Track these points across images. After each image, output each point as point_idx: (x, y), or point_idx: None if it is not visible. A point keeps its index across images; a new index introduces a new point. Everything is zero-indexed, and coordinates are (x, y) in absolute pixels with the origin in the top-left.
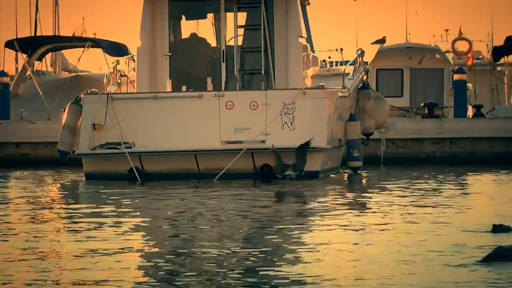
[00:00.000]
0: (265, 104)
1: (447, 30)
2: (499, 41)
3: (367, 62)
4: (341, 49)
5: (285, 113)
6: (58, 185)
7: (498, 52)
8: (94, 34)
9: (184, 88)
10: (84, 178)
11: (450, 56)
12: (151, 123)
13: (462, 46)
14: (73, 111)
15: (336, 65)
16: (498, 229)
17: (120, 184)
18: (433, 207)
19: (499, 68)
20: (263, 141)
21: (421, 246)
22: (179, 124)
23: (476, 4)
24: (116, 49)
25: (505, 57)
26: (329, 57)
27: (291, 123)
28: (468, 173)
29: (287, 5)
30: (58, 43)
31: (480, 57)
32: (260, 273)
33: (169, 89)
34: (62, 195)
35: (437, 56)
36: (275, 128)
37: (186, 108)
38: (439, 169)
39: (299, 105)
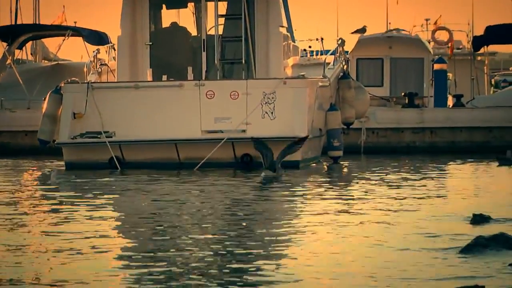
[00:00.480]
0: (245, 93)
1: (427, 20)
2: (480, 31)
3: (348, 52)
4: (322, 39)
5: (266, 103)
6: (33, 174)
7: (478, 42)
8: (75, 22)
9: (164, 77)
10: (64, 167)
11: (430, 45)
12: (132, 112)
13: (442, 36)
14: (53, 100)
15: (317, 54)
16: (478, 218)
17: (95, 174)
18: (413, 197)
19: (479, 58)
20: (244, 131)
21: (400, 236)
22: (160, 113)
23: None
24: (97, 38)
25: (485, 47)
26: (310, 47)
27: (272, 113)
28: (448, 163)
29: None
30: (39, 31)
31: (461, 46)
32: (237, 263)
33: (149, 78)
34: (34, 185)
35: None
36: (256, 118)
37: (167, 98)
38: (419, 158)
39: (280, 95)
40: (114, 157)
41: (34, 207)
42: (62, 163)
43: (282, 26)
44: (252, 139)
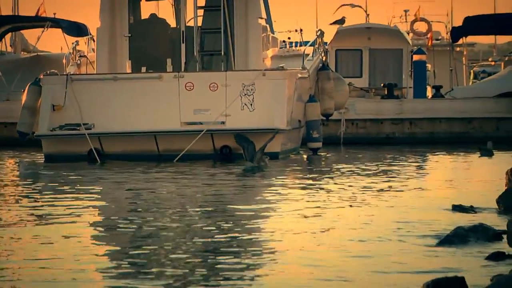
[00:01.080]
0: (224, 85)
1: (406, 11)
2: (459, 22)
3: (326, 43)
4: (301, 30)
5: (245, 94)
6: (9, 167)
7: (456, 33)
8: (54, 14)
9: (143, 69)
10: (44, 159)
11: (409, 37)
12: (111, 104)
13: (421, 27)
14: (33, 92)
15: (296, 46)
16: (457, 209)
17: (67, 166)
18: (391, 188)
19: (458, 49)
20: (223, 122)
21: (379, 227)
22: (139, 105)
23: None
24: (76, 29)
25: (464, 38)
26: (289, 38)
27: (251, 104)
28: (428, 154)
29: None
30: (18, 23)
31: (440, 37)
32: (215, 256)
33: (128, 70)
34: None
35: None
36: (235, 109)
37: (146, 89)
38: (398, 149)
39: (259, 86)
40: (93, 149)
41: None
42: (42, 155)
43: (261, 18)
44: (233, 133)
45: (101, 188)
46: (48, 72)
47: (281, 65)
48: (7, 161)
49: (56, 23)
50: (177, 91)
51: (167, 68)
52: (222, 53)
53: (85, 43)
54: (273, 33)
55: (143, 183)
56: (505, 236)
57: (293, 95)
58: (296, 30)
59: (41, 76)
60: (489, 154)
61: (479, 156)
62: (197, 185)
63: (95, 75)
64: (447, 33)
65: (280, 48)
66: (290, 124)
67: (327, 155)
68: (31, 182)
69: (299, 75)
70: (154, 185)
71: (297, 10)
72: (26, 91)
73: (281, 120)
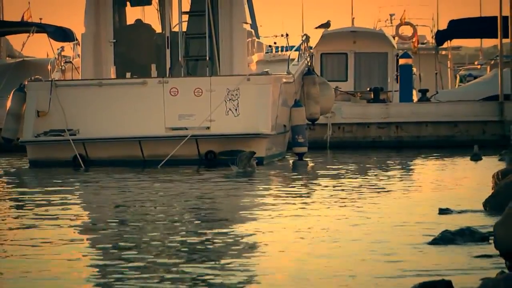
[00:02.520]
0: (209, 90)
1: (392, 15)
2: (444, 26)
3: (312, 47)
4: (287, 35)
5: (230, 100)
6: None
7: (441, 36)
8: (40, 19)
9: (128, 74)
10: (29, 165)
11: (395, 40)
12: (96, 110)
13: (406, 31)
14: (17, 98)
15: (282, 50)
16: (444, 212)
17: (50, 172)
18: (378, 192)
19: (443, 53)
20: (208, 128)
21: (365, 231)
22: (124, 111)
23: None
24: (62, 34)
25: (449, 41)
26: (275, 43)
27: (236, 109)
28: (414, 158)
29: None
30: (3, 28)
31: (425, 41)
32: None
33: (113, 75)
34: None
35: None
36: (220, 115)
37: (130, 95)
38: (385, 153)
39: (244, 91)
40: (78, 155)
41: None
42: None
43: (246, 23)
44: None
45: (84, 193)
46: (33, 78)
47: (265, 70)
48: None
49: (41, 28)
50: (162, 97)
51: (152, 73)
52: (207, 58)
53: (71, 48)
54: (259, 38)
55: (127, 188)
56: (492, 239)
57: (277, 100)
58: (282, 35)
59: (26, 82)
60: (478, 159)
61: (470, 159)
62: (183, 191)
63: (79, 81)
64: (432, 37)
65: (266, 53)
66: (275, 129)
67: (313, 160)
68: (15, 187)
69: (284, 80)
70: (139, 191)
71: (283, 14)
72: (10, 97)
73: (265, 125)
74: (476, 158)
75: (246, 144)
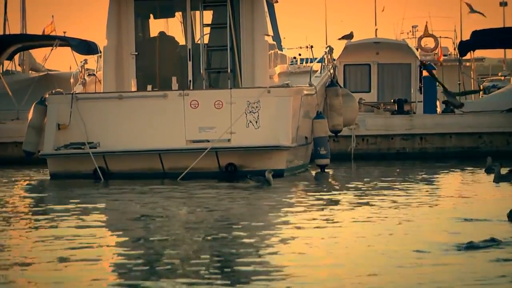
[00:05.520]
0: (229, 103)
1: (414, 27)
2: (466, 37)
3: (335, 59)
4: (311, 46)
5: (250, 112)
6: (14, 185)
7: (464, 47)
8: (64, 32)
9: (149, 87)
10: (49, 178)
11: (417, 52)
12: (116, 123)
13: (429, 42)
14: (38, 111)
15: (306, 62)
16: (468, 223)
17: (71, 184)
18: (403, 203)
19: (467, 64)
20: (228, 140)
21: (389, 242)
22: (144, 124)
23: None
24: (86, 47)
25: (472, 52)
26: (299, 54)
27: (256, 122)
28: (438, 169)
29: (253, 3)
30: (27, 41)
31: (448, 53)
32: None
33: (134, 88)
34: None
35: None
36: (240, 127)
37: (151, 108)
38: (409, 165)
39: (264, 104)
40: (98, 168)
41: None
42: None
43: (268, 35)
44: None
45: (104, 207)
46: (54, 91)
47: (286, 82)
48: (17, 180)
49: (65, 41)
50: (182, 109)
51: (172, 86)
52: (229, 70)
53: (95, 61)
54: (281, 50)
55: (147, 201)
56: None
57: (298, 112)
58: (306, 47)
59: (47, 95)
60: (491, 172)
61: (485, 172)
62: (203, 203)
63: (100, 94)
64: (454, 49)
65: (290, 64)
66: (296, 141)
67: (335, 172)
68: (37, 201)
69: (305, 92)
70: (159, 204)
71: (307, 26)
72: (31, 110)
73: (285, 137)
74: (489, 171)
75: (266, 157)
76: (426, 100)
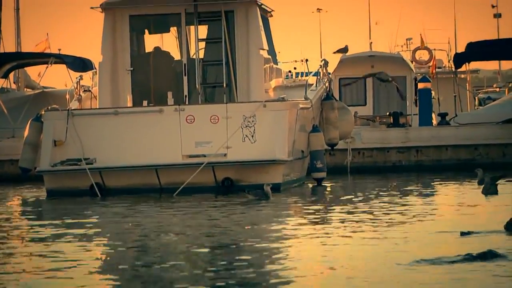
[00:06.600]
0: (225, 117)
1: (409, 39)
2: (461, 49)
3: (330, 72)
4: (306, 60)
5: (246, 126)
6: (9, 203)
7: (459, 59)
8: (59, 50)
9: (145, 102)
10: (46, 195)
11: (412, 65)
12: (112, 139)
13: (423, 55)
14: (34, 128)
15: (302, 76)
16: (465, 235)
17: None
18: (399, 216)
19: (462, 76)
20: (225, 155)
21: (387, 255)
22: (140, 139)
23: (438, 12)
24: (81, 65)
25: (467, 64)
26: (295, 68)
27: (252, 136)
28: (435, 181)
29: (248, 18)
30: (22, 59)
31: (443, 65)
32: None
33: (129, 104)
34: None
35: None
36: (236, 141)
37: (147, 123)
38: (405, 177)
39: (260, 118)
40: (94, 184)
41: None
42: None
43: (263, 49)
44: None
45: (101, 224)
46: (49, 107)
47: (282, 96)
48: (11, 197)
49: (60, 58)
50: (178, 124)
51: (168, 101)
52: (224, 85)
53: (90, 77)
54: (277, 64)
55: (144, 217)
56: None
57: (294, 125)
58: (301, 61)
59: (42, 112)
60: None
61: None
62: (202, 219)
63: (95, 110)
64: (449, 61)
65: (286, 78)
66: (292, 155)
67: (332, 185)
68: (34, 218)
69: (301, 106)
70: (157, 218)
71: (301, 40)
72: (27, 127)
73: (282, 151)
74: (482, 183)
75: (263, 171)
76: (421, 113)
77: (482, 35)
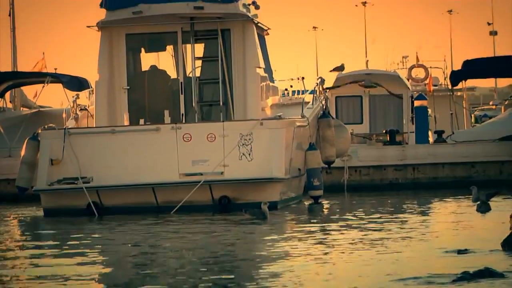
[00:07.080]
0: (222, 135)
1: (405, 57)
2: (457, 66)
3: (326, 90)
4: (303, 78)
5: (243, 144)
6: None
7: (456, 76)
8: (55, 69)
9: (141, 121)
10: (43, 214)
11: (409, 83)
12: (109, 157)
13: (419, 73)
14: (31, 147)
15: (298, 94)
16: (462, 253)
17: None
18: (396, 234)
19: (459, 93)
20: (221, 173)
21: (383, 273)
22: (137, 158)
23: (434, 29)
24: (77, 84)
25: (463, 81)
26: (291, 86)
27: (249, 154)
28: (431, 199)
29: (244, 36)
30: (19, 79)
31: (440, 83)
32: None
33: (126, 122)
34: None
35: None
36: (233, 160)
37: (144, 142)
38: (402, 195)
39: (257, 136)
40: (91, 203)
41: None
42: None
43: (259, 67)
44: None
45: (98, 243)
46: (46, 126)
47: (278, 114)
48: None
49: (56, 78)
50: (175, 143)
51: (165, 119)
52: (221, 103)
53: (86, 96)
54: (273, 82)
55: (141, 235)
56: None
57: (291, 143)
58: (298, 78)
59: (39, 131)
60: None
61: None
62: (200, 238)
63: (92, 129)
64: (445, 79)
65: (282, 96)
66: (289, 173)
67: (329, 203)
68: (31, 238)
69: (298, 124)
70: (153, 238)
71: (298, 58)
72: (24, 146)
73: (279, 169)
74: (477, 200)
75: (260, 189)
76: (418, 131)
77: (478, 53)
